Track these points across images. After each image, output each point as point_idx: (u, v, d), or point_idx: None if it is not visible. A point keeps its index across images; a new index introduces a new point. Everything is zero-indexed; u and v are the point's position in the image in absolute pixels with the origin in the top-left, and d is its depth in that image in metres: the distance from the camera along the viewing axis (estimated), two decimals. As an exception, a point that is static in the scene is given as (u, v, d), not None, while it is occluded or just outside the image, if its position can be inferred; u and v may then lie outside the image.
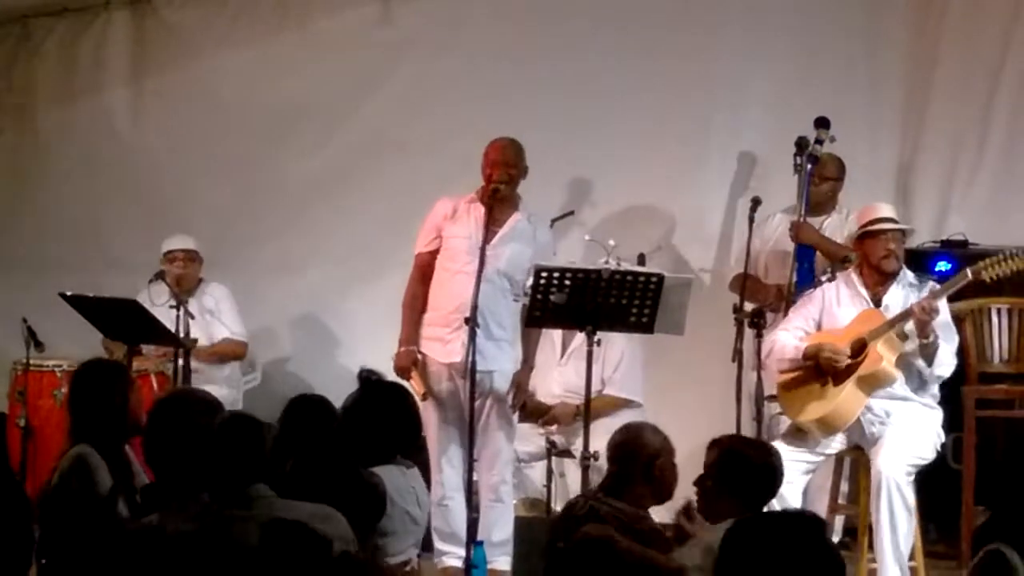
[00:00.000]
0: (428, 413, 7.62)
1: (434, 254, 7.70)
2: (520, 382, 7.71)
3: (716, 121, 8.94)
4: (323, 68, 9.73)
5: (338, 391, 9.19)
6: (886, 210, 7.44)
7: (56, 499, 5.84)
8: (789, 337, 7.37)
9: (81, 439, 5.92)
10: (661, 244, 8.42)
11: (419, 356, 7.66)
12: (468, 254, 7.45)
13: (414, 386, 7.63)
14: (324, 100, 9.70)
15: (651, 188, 8.98)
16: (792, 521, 3.94)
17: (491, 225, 7.53)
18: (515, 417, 7.74)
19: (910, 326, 7.09)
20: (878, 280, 7.37)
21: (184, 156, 10.03)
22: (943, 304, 7.24)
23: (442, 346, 7.54)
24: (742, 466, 5.47)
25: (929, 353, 7.14)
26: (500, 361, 7.62)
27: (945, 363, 7.21)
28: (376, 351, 9.06)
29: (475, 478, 7.53)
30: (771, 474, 5.54)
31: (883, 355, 7.11)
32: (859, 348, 7.18)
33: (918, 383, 7.25)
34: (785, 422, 7.51)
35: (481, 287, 7.40)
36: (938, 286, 7.27)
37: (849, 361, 7.16)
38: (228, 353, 9.04)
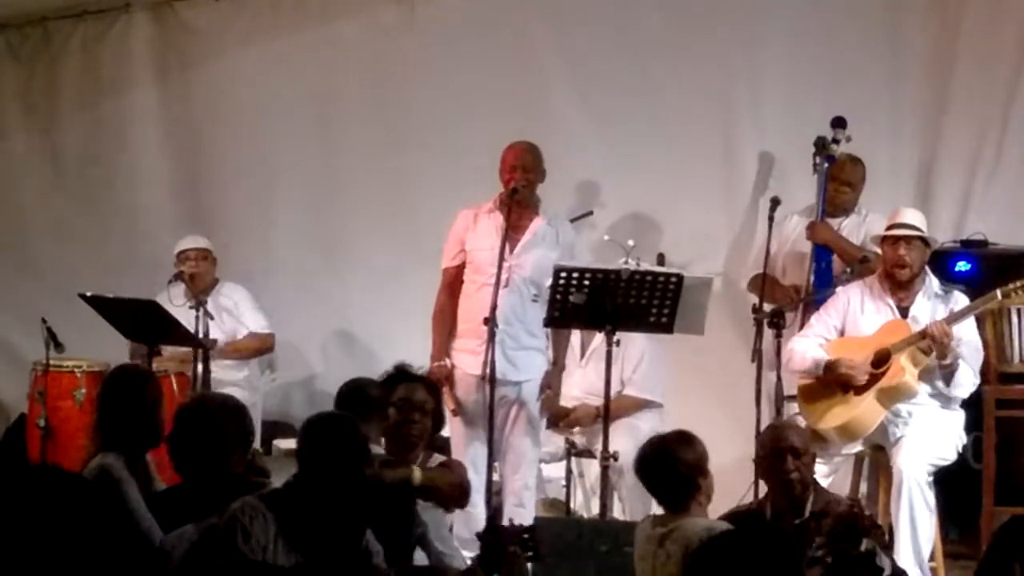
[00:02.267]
0: (455, 421, 7.67)
1: (460, 268, 7.71)
2: (550, 383, 7.73)
3: (735, 121, 8.92)
4: (344, 70, 9.73)
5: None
6: (908, 215, 7.39)
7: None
8: (808, 345, 7.35)
9: (108, 445, 5.87)
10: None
11: (451, 370, 7.67)
12: (493, 265, 7.43)
13: (446, 401, 7.64)
14: (345, 103, 9.70)
15: (669, 188, 8.95)
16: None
17: (513, 232, 7.53)
18: (543, 423, 7.75)
19: None
20: (898, 287, 7.35)
21: (204, 158, 10.05)
22: (971, 324, 7.21)
23: (474, 358, 7.51)
24: None
25: (947, 374, 7.12)
26: (532, 370, 7.65)
27: (963, 385, 7.19)
28: (398, 355, 9.11)
29: (495, 478, 7.54)
30: None
31: (906, 368, 7.10)
32: (882, 359, 7.17)
33: (936, 394, 7.24)
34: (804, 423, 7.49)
35: (508, 297, 7.44)
36: (964, 298, 7.24)
37: (869, 375, 7.15)
38: (253, 348, 9.04)
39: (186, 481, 5.76)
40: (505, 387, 7.52)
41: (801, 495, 5.98)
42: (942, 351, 7.04)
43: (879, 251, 7.47)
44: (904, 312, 7.32)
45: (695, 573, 4.01)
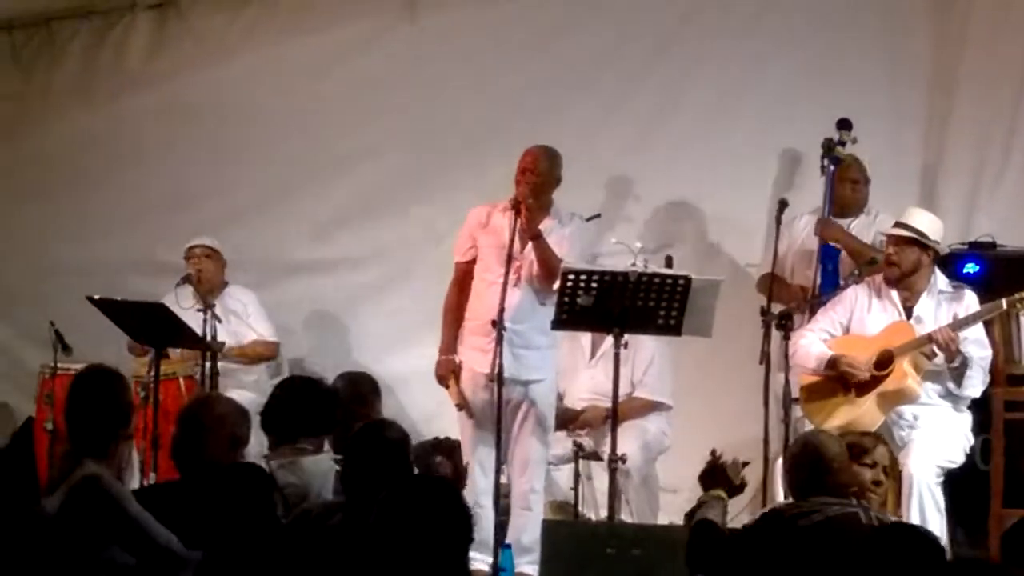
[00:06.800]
0: (463, 420, 7.65)
1: (471, 263, 7.68)
2: None
3: (741, 124, 8.92)
4: (346, 72, 9.73)
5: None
6: (910, 216, 7.39)
7: (67, 522, 5.35)
8: (813, 340, 7.36)
9: (80, 446, 5.60)
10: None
11: (458, 365, 7.64)
12: (502, 264, 7.41)
13: (451, 395, 7.63)
14: (346, 104, 9.70)
15: (679, 190, 8.97)
16: None
17: (523, 232, 7.51)
18: (551, 425, 7.73)
19: None
20: (900, 285, 7.36)
21: (206, 159, 10.04)
22: (978, 326, 7.22)
23: (482, 356, 7.46)
24: None
25: (957, 375, 7.13)
26: (542, 370, 7.61)
27: (973, 384, 7.20)
28: (396, 353, 9.13)
29: (504, 481, 7.52)
30: None
31: (908, 373, 7.11)
32: (885, 361, 7.17)
33: (948, 394, 7.25)
34: (810, 425, 7.49)
35: (517, 295, 7.41)
36: (973, 295, 7.24)
37: (871, 374, 7.16)
38: (258, 355, 9.06)
39: (182, 478, 5.75)
40: (513, 387, 7.49)
41: None
42: (950, 356, 7.05)
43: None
44: (908, 312, 7.33)
45: None
